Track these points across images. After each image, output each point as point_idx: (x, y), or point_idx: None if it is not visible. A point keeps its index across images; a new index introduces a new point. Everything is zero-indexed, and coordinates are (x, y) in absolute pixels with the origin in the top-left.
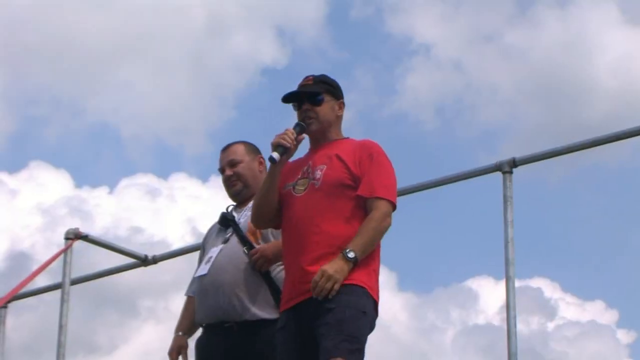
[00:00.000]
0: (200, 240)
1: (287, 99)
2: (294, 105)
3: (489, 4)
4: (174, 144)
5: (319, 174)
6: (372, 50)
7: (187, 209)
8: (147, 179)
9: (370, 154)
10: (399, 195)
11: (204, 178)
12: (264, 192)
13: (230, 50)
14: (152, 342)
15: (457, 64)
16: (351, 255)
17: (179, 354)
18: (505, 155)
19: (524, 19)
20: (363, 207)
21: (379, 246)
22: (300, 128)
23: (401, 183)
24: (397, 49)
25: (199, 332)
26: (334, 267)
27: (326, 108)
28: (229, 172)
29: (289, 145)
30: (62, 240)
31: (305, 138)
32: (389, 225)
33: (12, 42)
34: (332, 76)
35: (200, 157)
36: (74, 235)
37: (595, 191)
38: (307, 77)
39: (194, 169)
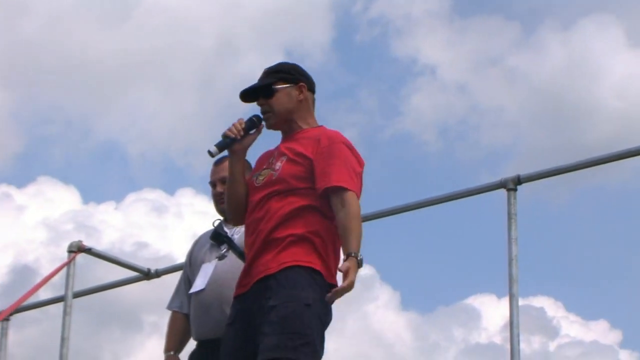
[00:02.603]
0: None
1: (244, 98)
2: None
3: (493, 28)
4: (181, 163)
5: (278, 165)
6: (377, 72)
7: (193, 225)
8: (154, 195)
9: (329, 144)
10: (403, 212)
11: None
12: (228, 186)
13: (239, 71)
14: (155, 358)
15: (462, 86)
16: (360, 257)
17: None
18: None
19: (529, 43)
20: (319, 200)
21: (331, 228)
22: (250, 122)
23: (404, 201)
24: (402, 71)
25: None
26: (353, 274)
27: (281, 97)
28: (220, 189)
29: (233, 136)
30: (67, 255)
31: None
32: (360, 210)
33: (24, 62)
34: (338, 97)
35: (208, 177)
36: (76, 248)
37: (600, 211)
38: (264, 72)
39: (201, 186)
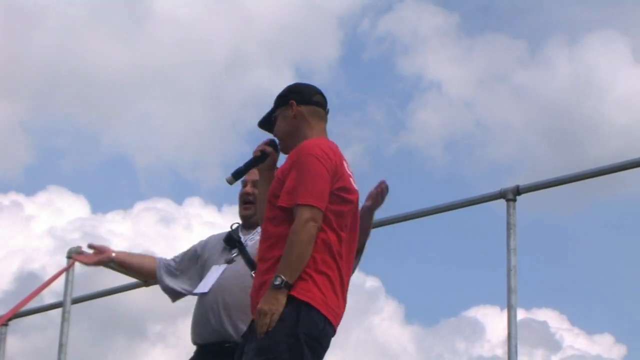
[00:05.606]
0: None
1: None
2: None
3: (500, 46)
4: (189, 177)
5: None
6: (384, 89)
7: (202, 235)
8: (162, 204)
9: (295, 159)
10: (403, 221)
11: (219, 205)
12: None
13: (249, 86)
14: None
15: (468, 103)
16: (277, 282)
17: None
18: None
19: (535, 60)
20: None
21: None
22: (272, 143)
23: (406, 210)
24: (409, 87)
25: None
26: (265, 300)
27: (279, 123)
28: (249, 189)
29: (268, 152)
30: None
31: None
32: (313, 231)
33: (35, 74)
34: (345, 112)
35: (216, 189)
36: (76, 254)
37: (606, 224)
38: None
39: (209, 197)
